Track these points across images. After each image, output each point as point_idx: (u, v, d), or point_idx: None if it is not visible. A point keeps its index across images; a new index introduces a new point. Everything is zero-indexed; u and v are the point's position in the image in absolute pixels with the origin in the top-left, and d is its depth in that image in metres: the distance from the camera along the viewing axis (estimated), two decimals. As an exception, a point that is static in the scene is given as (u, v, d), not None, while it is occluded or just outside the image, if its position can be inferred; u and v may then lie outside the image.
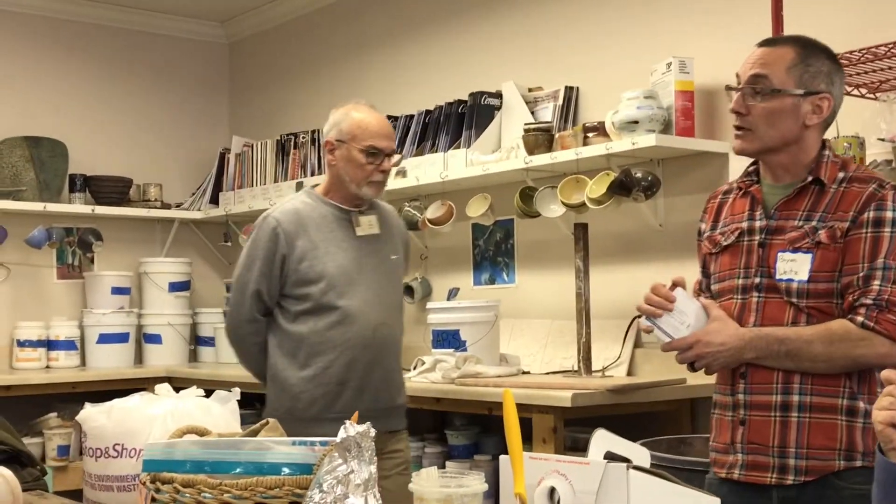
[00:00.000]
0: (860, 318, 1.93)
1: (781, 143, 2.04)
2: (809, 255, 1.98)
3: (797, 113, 2.02)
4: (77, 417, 1.71)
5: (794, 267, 1.99)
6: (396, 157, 3.11)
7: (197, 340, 5.37)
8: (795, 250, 2.00)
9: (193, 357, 5.36)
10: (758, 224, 2.07)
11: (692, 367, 2.09)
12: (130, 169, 5.38)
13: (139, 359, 5.21)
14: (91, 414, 1.67)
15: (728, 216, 2.15)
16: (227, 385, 1.73)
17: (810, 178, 2.03)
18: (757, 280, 2.04)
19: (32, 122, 5.08)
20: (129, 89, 5.54)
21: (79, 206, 5.09)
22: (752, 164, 2.16)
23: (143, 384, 4.69)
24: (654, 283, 2.06)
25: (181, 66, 5.73)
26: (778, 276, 2.01)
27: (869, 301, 1.93)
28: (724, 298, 2.09)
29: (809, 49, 2.05)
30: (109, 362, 5.01)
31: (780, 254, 2.02)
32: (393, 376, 2.99)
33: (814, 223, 2.00)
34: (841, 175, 2.04)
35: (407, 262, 3.19)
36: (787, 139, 2.03)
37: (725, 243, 2.12)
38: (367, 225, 2.96)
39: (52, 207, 4.97)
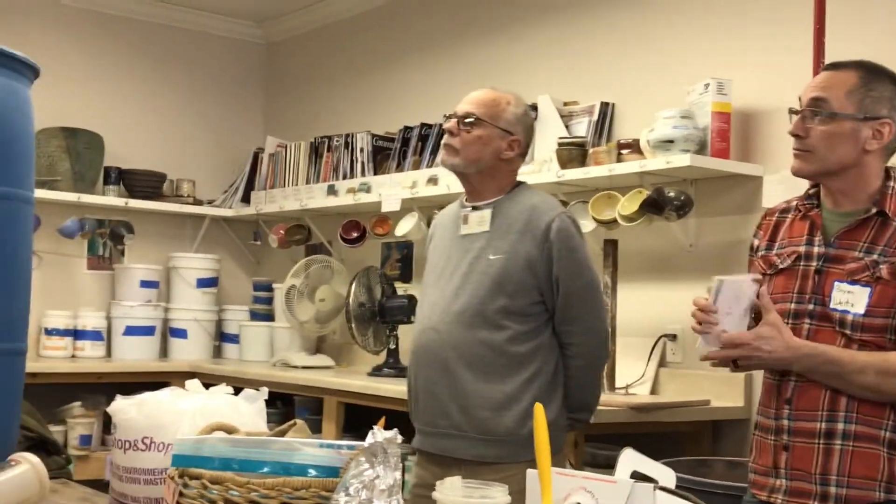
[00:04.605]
0: None
1: (839, 167, 2.04)
2: (868, 289, 1.97)
3: (856, 137, 2.02)
4: (108, 409, 1.73)
5: (851, 299, 1.98)
6: (468, 117, 2.63)
7: (222, 337, 5.40)
8: (853, 282, 1.99)
9: (218, 353, 5.39)
10: (816, 250, 2.06)
11: (735, 364, 2.08)
12: (165, 164, 5.42)
13: (164, 352, 5.25)
14: (122, 406, 1.68)
15: (785, 238, 2.14)
16: (250, 382, 1.75)
17: (874, 210, 2.02)
18: (810, 307, 2.04)
19: (70, 114, 5.14)
20: (168, 85, 5.59)
21: (112, 199, 5.15)
22: (813, 186, 2.15)
23: (168, 378, 4.73)
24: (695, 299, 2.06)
25: (219, 65, 5.78)
26: (832, 306, 2.00)
27: None
28: None
29: (874, 74, 2.05)
30: (134, 354, 5.06)
31: (836, 283, 2.01)
32: (435, 390, 2.60)
33: (875, 256, 1.99)
34: None
35: (553, 260, 2.56)
36: (845, 163, 2.03)
37: (781, 266, 2.11)
38: (476, 222, 2.65)
39: (86, 199, 5.02)
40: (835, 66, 2.10)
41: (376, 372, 4.19)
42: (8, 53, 1.96)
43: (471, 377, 2.55)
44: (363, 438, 1.31)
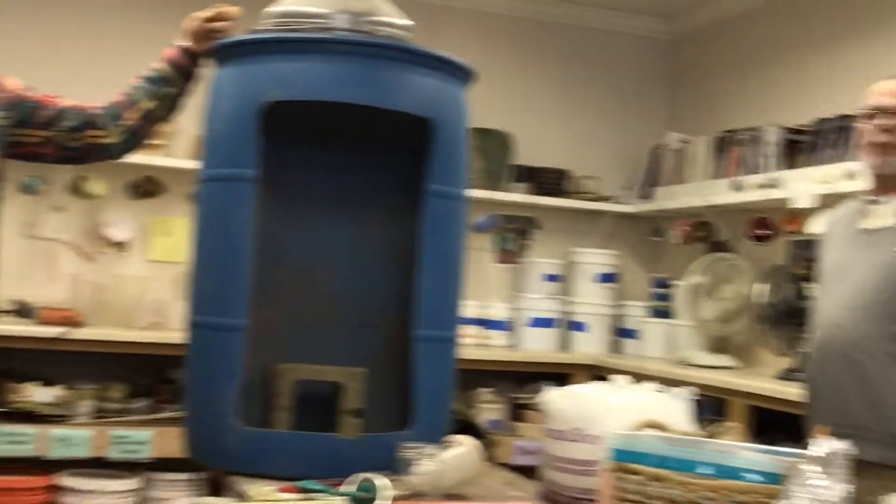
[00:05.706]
0: None
1: None
2: None
3: None
4: (538, 399, 1.80)
5: None
6: None
7: (620, 332, 5.44)
8: None
9: (615, 348, 5.43)
10: None
11: None
12: (568, 161, 5.55)
13: (564, 345, 5.38)
14: (552, 397, 1.74)
15: None
16: (650, 379, 1.73)
17: None
18: None
19: (483, 114, 5.38)
20: (572, 84, 5.71)
21: (519, 196, 5.35)
22: None
23: (568, 369, 4.85)
24: None
25: (624, 61, 5.82)
26: None
27: None
28: None
29: None
30: (537, 345, 5.23)
31: None
32: (839, 387, 2.50)
33: None
34: None
35: None
36: None
37: None
38: (882, 216, 2.55)
39: (496, 196, 5.27)
40: None
41: (786, 375, 4.01)
42: (447, 59, 2.10)
43: (879, 373, 2.43)
44: (769, 444, 1.26)
